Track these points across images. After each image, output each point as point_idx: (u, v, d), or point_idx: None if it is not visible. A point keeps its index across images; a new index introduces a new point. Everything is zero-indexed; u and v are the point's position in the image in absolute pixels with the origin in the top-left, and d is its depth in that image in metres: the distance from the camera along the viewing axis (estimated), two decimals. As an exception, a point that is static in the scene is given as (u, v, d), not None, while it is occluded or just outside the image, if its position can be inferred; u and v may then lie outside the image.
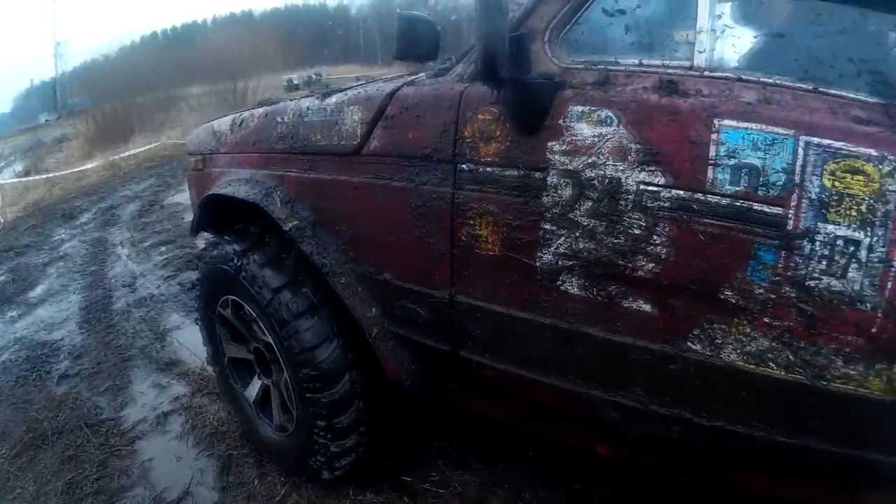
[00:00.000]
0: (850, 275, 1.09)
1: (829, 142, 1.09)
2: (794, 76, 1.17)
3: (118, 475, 2.25)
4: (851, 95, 1.13)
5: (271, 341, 1.86)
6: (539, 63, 1.31)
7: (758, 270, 1.14)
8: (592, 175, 1.23)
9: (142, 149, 12.38)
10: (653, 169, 1.18)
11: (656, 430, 1.38)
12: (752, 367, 1.20)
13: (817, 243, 1.10)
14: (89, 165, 10.95)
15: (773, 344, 1.17)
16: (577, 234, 1.27)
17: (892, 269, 1.06)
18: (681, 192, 1.17)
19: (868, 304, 1.08)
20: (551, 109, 1.27)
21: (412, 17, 1.48)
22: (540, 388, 1.47)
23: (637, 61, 1.27)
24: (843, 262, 1.09)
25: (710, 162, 1.14)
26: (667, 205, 1.18)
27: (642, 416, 1.36)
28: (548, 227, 1.30)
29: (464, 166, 1.38)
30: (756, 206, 1.12)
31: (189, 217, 6.03)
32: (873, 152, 1.06)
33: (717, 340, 1.21)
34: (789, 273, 1.12)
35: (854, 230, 1.08)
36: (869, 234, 1.07)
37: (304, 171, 1.70)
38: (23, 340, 3.53)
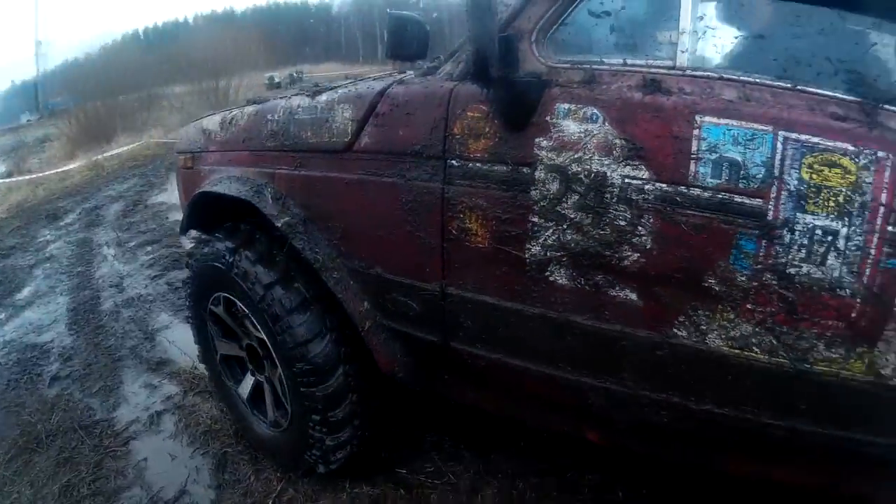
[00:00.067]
0: (829, 262, 1.14)
1: (806, 137, 1.14)
2: (773, 75, 1.22)
3: (114, 476, 2.25)
4: (829, 93, 1.17)
5: (264, 337, 1.88)
6: (527, 62, 1.35)
7: (740, 259, 1.19)
8: (579, 170, 1.27)
9: (124, 148, 12.27)
10: (637, 163, 1.22)
11: (645, 415, 1.43)
12: (736, 351, 1.24)
13: (797, 233, 1.14)
14: (72, 166, 10.84)
15: (756, 329, 1.22)
16: (565, 227, 1.31)
17: (870, 257, 1.11)
18: (664, 186, 1.21)
19: (847, 290, 1.13)
20: (539, 107, 1.31)
21: (402, 17, 1.51)
22: (530, 377, 1.51)
23: (621, 61, 1.31)
24: (821, 250, 1.14)
25: (693, 156, 1.19)
26: (651, 197, 1.22)
27: (631, 403, 1.41)
28: (536, 220, 1.34)
29: (453, 162, 1.42)
30: (737, 198, 1.17)
31: (174, 216, 6.03)
32: (850, 147, 1.11)
33: (702, 327, 1.25)
34: (770, 261, 1.17)
35: (832, 220, 1.13)
36: (846, 223, 1.12)
37: (294, 168, 1.72)
38: (12, 343, 3.50)
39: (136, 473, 2.26)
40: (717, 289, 1.22)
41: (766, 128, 1.16)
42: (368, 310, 1.70)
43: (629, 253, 1.26)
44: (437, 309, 1.56)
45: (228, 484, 2.16)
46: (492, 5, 1.23)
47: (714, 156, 1.18)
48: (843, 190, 1.12)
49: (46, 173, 10.59)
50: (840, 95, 1.17)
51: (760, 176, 1.15)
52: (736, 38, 1.42)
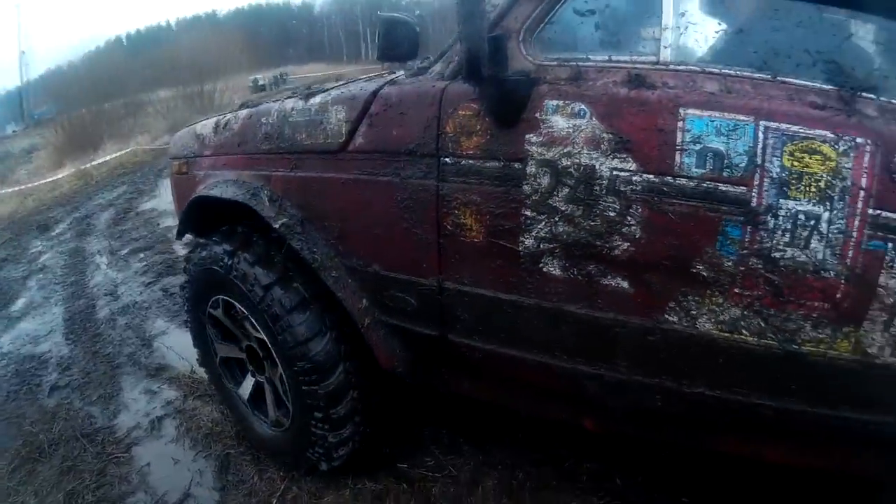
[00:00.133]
0: (812, 246, 1.18)
1: (787, 126, 1.18)
2: (753, 67, 1.26)
3: (118, 482, 2.26)
4: (808, 83, 1.22)
5: (264, 338, 1.91)
6: (515, 61, 1.38)
7: (726, 245, 1.23)
8: (568, 163, 1.31)
9: (112, 156, 12.21)
10: (624, 156, 1.26)
11: (639, 400, 1.47)
12: (726, 335, 1.29)
13: (780, 218, 1.19)
14: (61, 175, 10.79)
15: (745, 313, 1.26)
16: (557, 219, 1.35)
17: (852, 240, 1.16)
18: (651, 177, 1.25)
19: (831, 272, 1.18)
20: (528, 104, 1.35)
21: (393, 19, 1.54)
22: (527, 366, 1.55)
23: (607, 57, 1.35)
24: (805, 234, 1.18)
25: (678, 148, 1.23)
26: (638, 188, 1.26)
27: (625, 388, 1.45)
28: (528, 213, 1.37)
29: (447, 159, 1.45)
30: (721, 187, 1.21)
31: (165, 223, 6.03)
32: (829, 134, 1.16)
33: (692, 312, 1.30)
34: (755, 246, 1.21)
35: (814, 205, 1.17)
36: (828, 207, 1.16)
37: (290, 169, 1.75)
38: (9, 355, 3.50)
39: (139, 479, 2.28)
40: (705, 274, 1.26)
41: (747, 118, 1.20)
42: (367, 307, 1.73)
43: (619, 242, 1.30)
44: (434, 303, 1.59)
45: (232, 485, 2.18)
46: (481, 7, 1.26)
47: (698, 146, 1.22)
48: (824, 176, 1.16)
49: (35, 184, 10.54)
50: (819, 85, 1.21)
51: (743, 165, 1.20)
52: (717, 32, 1.46)
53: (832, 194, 1.16)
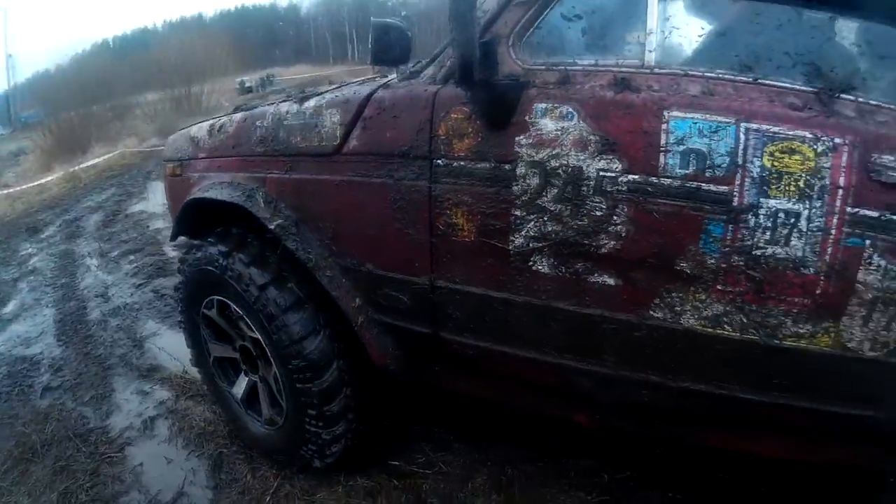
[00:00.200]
0: (792, 243, 1.23)
1: (767, 127, 1.23)
2: (735, 70, 1.31)
3: (111, 482, 2.27)
4: (788, 85, 1.27)
5: (259, 337, 1.94)
6: (505, 65, 1.42)
7: (709, 243, 1.27)
8: (557, 165, 1.35)
9: (100, 159, 12.14)
10: (610, 157, 1.31)
11: (628, 394, 1.51)
12: (709, 330, 1.33)
13: (761, 216, 1.24)
14: (49, 178, 10.70)
15: (727, 308, 1.31)
16: (545, 219, 1.39)
17: (831, 237, 1.20)
18: (636, 177, 1.29)
19: (811, 269, 1.23)
20: (518, 107, 1.39)
21: (386, 24, 1.58)
22: (518, 362, 1.59)
23: (594, 61, 1.39)
24: (785, 232, 1.23)
25: (662, 149, 1.27)
26: (624, 188, 1.30)
27: (614, 383, 1.49)
28: (518, 213, 1.41)
29: (439, 161, 1.49)
30: (704, 186, 1.26)
31: (154, 225, 6.03)
32: (808, 134, 1.21)
33: (677, 307, 1.34)
34: (737, 244, 1.26)
35: (794, 203, 1.22)
36: (807, 206, 1.21)
37: (285, 171, 1.78)
38: (1, 357, 3.49)
39: (133, 478, 2.29)
40: (688, 272, 1.30)
41: (729, 120, 1.25)
42: (361, 305, 1.76)
43: (606, 241, 1.34)
44: (426, 301, 1.63)
45: (225, 483, 2.20)
46: (473, 14, 1.30)
47: (681, 148, 1.27)
48: (803, 175, 1.21)
49: (23, 187, 10.45)
50: (798, 87, 1.26)
51: (725, 165, 1.24)
52: (700, 36, 1.51)
53: (811, 193, 1.20)
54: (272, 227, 1.77)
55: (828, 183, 1.20)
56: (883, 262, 1.19)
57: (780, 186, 1.23)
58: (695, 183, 1.26)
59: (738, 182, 1.24)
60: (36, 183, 10.61)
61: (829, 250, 1.21)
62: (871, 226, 1.19)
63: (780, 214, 1.23)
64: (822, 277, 1.23)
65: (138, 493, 2.21)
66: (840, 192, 1.19)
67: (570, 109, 1.34)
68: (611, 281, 1.38)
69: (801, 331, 1.27)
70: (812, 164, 1.21)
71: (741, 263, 1.27)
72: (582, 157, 1.33)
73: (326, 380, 1.83)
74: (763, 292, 1.27)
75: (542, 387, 1.66)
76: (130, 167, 10.94)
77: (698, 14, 1.58)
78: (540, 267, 1.43)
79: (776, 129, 1.23)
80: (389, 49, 1.58)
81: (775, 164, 1.23)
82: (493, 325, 1.56)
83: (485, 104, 1.41)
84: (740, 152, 1.24)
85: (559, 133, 1.35)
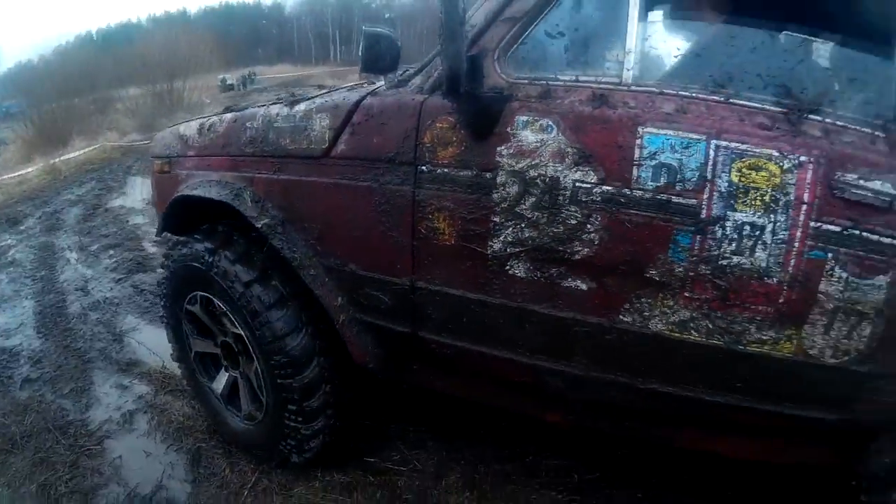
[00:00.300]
0: (757, 254, 1.30)
1: (736, 144, 1.31)
2: (709, 89, 1.38)
3: (90, 474, 2.28)
4: (758, 105, 1.34)
5: (242, 333, 1.97)
6: (490, 78, 1.49)
7: (677, 252, 1.35)
8: (535, 174, 1.42)
9: (81, 152, 12.01)
10: (586, 169, 1.38)
11: (598, 394, 1.58)
12: (676, 334, 1.41)
13: (727, 228, 1.31)
14: (29, 169, 10.55)
15: (693, 314, 1.38)
16: (523, 225, 1.45)
17: (794, 249, 1.28)
18: (610, 188, 1.37)
19: (775, 279, 1.30)
20: (500, 119, 1.45)
21: (377, 33, 1.62)
22: (493, 362, 1.65)
23: (574, 77, 1.46)
24: (750, 243, 1.31)
25: (635, 162, 1.35)
26: (598, 199, 1.37)
27: (585, 383, 1.55)
28: (497, 219, 1.48)
29: (423, 168, 1.54)
30: (674, 199, 1.33)
31: (133, 220, 6.01)
32: (775, 152, 1.29)
33: (645, 313, 1.41)
34: (704, 254, 1.33)
35: (759, 217, 1.29)
36: (772, 219, 1.29)
37: (273, 172, 1.81)
38: (-20, 348, 3.47)
39: (112, 471, 2.30)
40: (657, 279, 1.38)
41: (699, 137, 1.32)
42: (343, 304, 1.80)
43: (579, 248, 1.41)
44: (407, 302, 1.68)
45: (204, 477, 2.22)
46: (463, 30, 1.36)
47: (654, 162, 1.34)
48: (769, 190, 1.29)
49: (3, 177, 10.29)
50: (768, 107, 1.34)
51: (695, 179, 1.32)
52: (677, 56, 1.59)
53: (776, 207, 1.28)
54: (259, 225, 1.81)
55: (792, 198, 1.28)
56: (844, 274, 1.27)
57: (746, 200, 1.30)
58: (665, 195, 1.33)
59: (706, 195, 1.32)
60: (16, 174, 10.47)
61: (793, 262, 1.29)
62: (834, 240, 1.27)
63: (745, 227, 1.31)
64: (785, 287, 1.31)
65: (117, 485, 2.22)
66: (804, 207, 1.27)
67: (550, 122, 1.41)
68: (583, 286, 1.45)
69: (765, 337, 1.35)
70: (778, 180, 1.28)
71: (708, 272, 1.34)
72: (559, 168, 1.40)
73: (307, 376, 1.88)
74: (728, 300, 1.35)
75: (517, 386, 1.72)
76: (111, 161, 10.84)
77: (676, 35, 1.67)
78: (516, 271, 1.50)
79: (745, 146, 1.30)
80: (379, 58, 1.63)
81: (742, 179, 1.30)
82: (471, 325, 1.62)
83: (469, 115, 1.47)
84: (709, 167, 1.31)
85: (539, 144, 1.41)
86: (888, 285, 1.26)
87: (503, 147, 1.45)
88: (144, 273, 4.46)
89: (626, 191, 1.36)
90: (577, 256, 1.42)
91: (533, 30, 1.50)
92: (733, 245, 1.32)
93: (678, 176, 1.33)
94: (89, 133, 15.06)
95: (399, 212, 1.60)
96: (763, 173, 1.29)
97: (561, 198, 1.40)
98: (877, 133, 1.30)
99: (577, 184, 1.39)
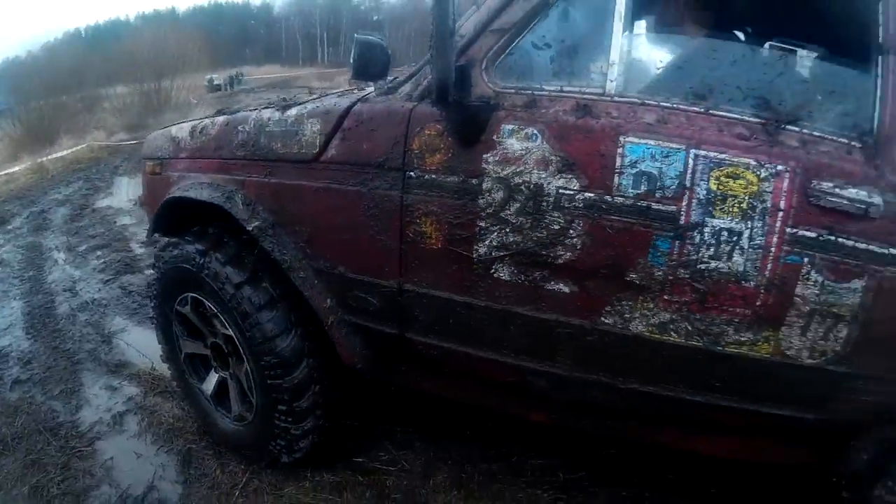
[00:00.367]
0: (734, 258, 1.36)
1: (714, 154, 1.36)
2: (689, 100, 1.43)
3: (82, 476, 2.28)
4: (737, 116, 1.40)
5: (232, 334, 1.99)
6: (478, 87, 1.53)
7: (657, 256, 1.40)
8: (520, 181, 1.46)
9: (68, 151, 11.92)
10: (569, 176, 1.42)
11: (581, 394, 1.63)
12: (656, 336, 1.46)
13: (706, 234, 1.37)
14: (16, 168, 10.45)
15: (673, 316, 1.43)
16: (508, 230, 1.50)
17: (771, 254, 1.33)
18: (592, 195, 1.41)
19: (752, 282, 1.36)
20: (487, 127, 1.49)
21: (368, 41, 1.66)
22: (479, 362, 1.69)
23: (559, 87, 1.50)
24: (728, 248, 1.36)
25: (617, 171, 1.40)
26: (581, 205, 1.42)
27: (568, 383, 1.60)
28: (483, 224, 1.52)
29: (412, 173, 1.58)
30: (654, 205, 1.38)
31: (121, 221, 5.99)
32: (752, 161, 1.34)
33: (626, 315, 1.46)
34: (683, 258, 1.38)
35: (736, 223, 1.35)
36: (749, 226, 1.34)
37: (264, 176, 1.84)
38: (-31, 349, 3.45)
39: (103, 472, 2.30)
40: (638, 282, 1.43)
41: (679, 146, 1.37)
42: (332, 306, 1.84)
43: (562, 252, 1.46)
44: (394, 304, 1.72)
45: (195, 478, 2.24)
46: (452, 41, 1.41)
47: (635, 170, 1.39)
48: (746, 198, 1.34)
49: (-9, 176, 10.21)
50: (746, 118, 1.39)
51: (674, 187, 1.37)
52: (659, 68, 1.64)
53: (753, 214, 1.34)
54: (250, 228, 1.83)
55: (769, 205, 1.33)
56: (820, 278, 1.32)
57: (724, 208, 1.36)
58: (645, 202, 1.38)
59: (685, 202, 1.37)
60: (3, 172, 10.37)
61: (770, 266, 1.34)
62: (810, 245, 1.32)
63: (723, 233, 1.36)
64: (762, 291, 1.36)
65: (109, 486, 2.23)
66: (780, 213, 1.33)
67: (535, 131, 1.45)
68: (566, 289, 1.50)
69: (743, 339, 1.41)
70: (755, 188, 1.34)
71: (687, 276, 1.39)
72: (543, 175, 1.44)
73: (297, 376, 1.90)
74: (707, 303, 1.40)
75: (502, 386, 1.77)
76: (98, 161, 10.75)
77: (659, 48, 1.72)
78: (501, 274, 1.54)
79: (723, 155, 1.35)
80: (370, 65, 1.67)
81: (721, 187, 1.35)
82: (457, 327, 1.66)
83: (457, 123, 1.51)
84: (688, 176, 1.36)
85: (524, 152, 1.46)
86: (863, 289, 1.31)
87: (489, 154, 1.49)
88: (132, 274, 4.45)
89: (608, 197, 1.40)
90: (560, 260, 1.47)
91: (520, 41, 1.54)
92: (711, 250, 1.37)
93: (658, 184, 1.38)
94: (77, 132, 14.95)
95: (387, 216, 1.63)
96: (741, 181, 1.34)
97: (545, 204, 1.45)
98: (853, 143, 1.35)
99: (561, 190, 1.43)
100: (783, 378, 1.43)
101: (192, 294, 2.10)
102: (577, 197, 1.42)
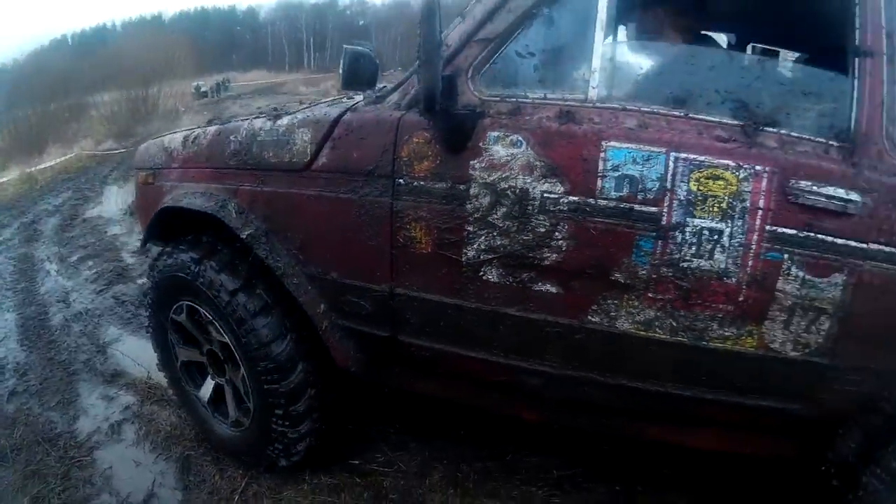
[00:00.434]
0: (716, 256, 1.41)
1: (694, 156, 1.41)
2: (669, 105, 1.49)
3: (82, 485, 2.29)
4: (715, 119, 1.45)
5: (228, 341, 2.02)
6: (464, 95, 1.57)
7: (640, 256, 1.45)
8: (506, 186, 1.51)
9: (57, 160, 11.82)
10: (554, 181, 1.47)
11: (571, 392, 1.68)
12: (642, 332, 1.51)
13: (687, 233, 1.42)
14: (5, 178, 10.38)
15: (658, 314, 1.48)
16: (495, 234, 1.54)
17: (751, 251, 1.38)
18: (576, 198, 1.46)
19: (734, 279, 1.41)
20: (473, 134, 1.54)
21: (357, 52, 1.70)
22: (470, 363, 1.73)
23: (542, 95, 1.55)
24: (709, 247, 1.41)
25: (599, 174, 1.44)
26: (565, 208, 1.47)
27: (558, 380, 1.65)
28: (471, 228, 1.56)
29: (401, 180, 1.62)
30: (636, 207, 1.43)
31: (112, 230, 5.99)
32: (731, 163, 1.39)
33: (612, 313, 1.51)
34: (665, 257, 1.43)
35: (717, 222, 1.40)
36: (730, 224, 1.39)
37: (256, 184, 1.87)
38: (-36, 361, 3.45)
39: (103, 481, 2.31)
40: (622, 281, 1.47)
41: (660, 149, 1.42)
42: (325, 311, 1.87)
43: (548, 254, 1.51)
44: (386, 307, 1.76)
45: (194, 484, 2.26)
46: (439, 53, 1.45)
47: (617, 173, 1.44)
48: (726, 198, 1.39)
49: (-21, 187, 10.13)
50: (725, 121, 1.44)
51: (655, 189, 1.42)
52: (639, 75, 1.69)
53: (733, 213, 1.39)
54: (243, 236, 1.86)
55: (748, 205, 1.38)
56: (801, 274, 1.38)
57: (704, 207, 1.41)
58: (628, 204, 1.43)
59: (666, 203, 1.42)
60: (-7, 183, 10.31)
61: (751, 263, 1.39)
62: (789, 242, 1.38)
63: (704, 232, 1.41)
64: (744, 287, 1.41)
65: (109, 495, 2.24)
66: (760, 212, 1.38)
67: (520, 138, 1.50)
68: (553, 289, 1.54)
69: (727, 333, 1.46)
70: (734, 188, 1.39)
71: (670, 274, 1.44)
72: (529, 181, 1.49)
73: (293, 380, 1.94)
74: (690, 299, 1.45)
75: (493, 386, 1.81)
76: (86, 170, 10.70)
77: (639, 55, 1.77)
78: (490, 276, 1.59)
79: (702, 157, 1.41)
80: (359, 75, 1.71)
81: (701, 188, 1.40)
82: (447, 328, 1.70)
83: (444, 131, 1.56)
84: (669, 178, 1.41)
85: (509, 158, 1.50)
86: (844, 283, 1.36)
87: (476, 161, 1.53)
88: (124, 284, 4.45)
89: (592, 200, 1.45)
90: (546, 262, 1.52)
91: (504, 50, 1.58)
92: (693, 249, 1.42)
93: (640, 186, 1.43)
94: (65, 140, 14.83)
95: (378, 222, 1.67)
96: (720, 182, 1.39)
97: (530, 208, 1.50)
98: (831, 143, 1.40)
99: (546, 194, 1.48)
100: (768, 371, 1.47)
101: (187, 302, 2.13)
102: (561, 200, 1.47)
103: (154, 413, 2.74)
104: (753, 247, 1.39)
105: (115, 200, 7.44)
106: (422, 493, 2.15)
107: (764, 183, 1.38)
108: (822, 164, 1.38)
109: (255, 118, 1.98)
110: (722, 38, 2.25)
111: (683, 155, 1.41)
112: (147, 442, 2.53)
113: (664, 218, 1.42)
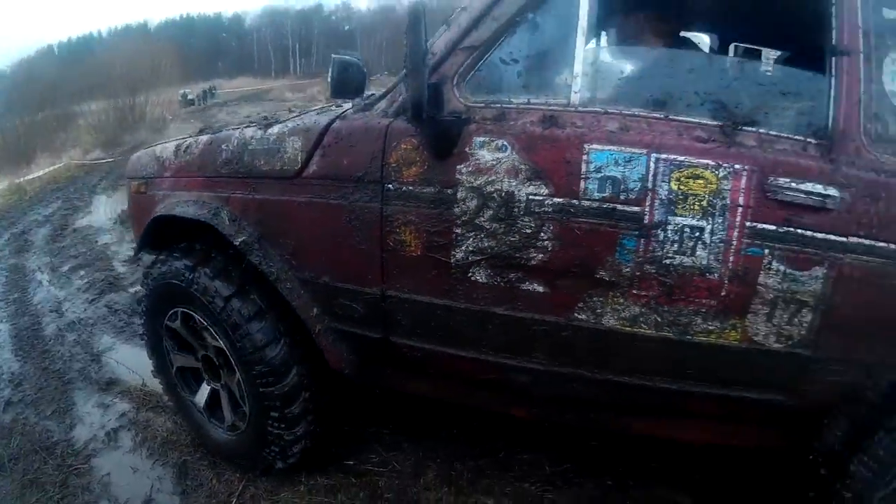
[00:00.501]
0: (698, 253, 1.45)
1: (674, 156, 1.45)
2: (650, 108, 1.53)
3: (80, 492, 2.31)
4: (695, 120, 1.49)
5: (223, 346, 2.05)
6: (450, 102, 1.61)
7: (624, 254, 1.49)
8: (492, 190, 1.55)
9: (45, 170, 11.76)
10: (538, 183, 1.51)
11: (559, 388, 1.72)
12: (627, 328, 1.55)
13: (669, 231, 1.46)
14: (-6, 189, 10.39)
15: (643, 310, 1.53)
16: (482, 236, 1.58)
17: (732, 247, 1.43)
18: (560, 200, 1.51)
19: (716, 274, 1.45)
20: (459, 140, 1.58)
21: (345, 61, 1.74)
22: (461, 362, 1.77)
23: (526, 100, 1.59)
24: (691, 244, 1.45)
25: (582, 176, 1.49)
26: (550, 210, 1.51)
27: (546, 377, 1.69)
28: (459, 231, 1.60)
29: (390, 186, 1.66)
30: (619, 207, 1.48)
31: (102, 240, 5.99)
32: (710, 162, 1.44)
33: (598, 310, 1.56)
34: (648, 255, 1.48)
35: (698, 220, 1.44)
36: (710, 222, 1.44)
37: (248, 192, 1.90)
38: (-41, 372, 3.45)
39: (101, 488, 2.33)
40: (607, 279, 1.52)
41: (641, 151, 1.47)
42: (318, 314, 1.90)
43: (535, 254, 1.55)
44: (378, 309, 1.80)
45: (191, 489, 2.28)
46: (425, 62, 1.50)
47: (599, 175, 1.48)
48: (706, 196, 1.44)
49: (-32, 199, 10.06)
50: (705, 121, 1.49)
51: (637, 189, 1.46)
52: (620, 79, 1.74)
53: (714, 211, 1.43)
54: (237, 243, 1.89)
55: (728, 202, 1.43)
56: (782, 268, 1.42)
57: (685, 206, 1.45)
58: (610, 204, 1.48)
59: (648, 203, 1.46)
60: (-19, 194, 10.25)
61: (732, 258, 1.44)
62: (770, 237, 1.42)
63: (686, 229, 1.46)
64: (726, 282, 1.45)
65: (108, 502, 2.26)
66: (740, 209, 1.42)
67: (505, 142, 1.54)
68: (540, 288, 1.58)
69: (711, 327, 1.50)
70: (714, 186, 1.43)
71: (653, 271, 1.49)
72: (514, 184, 1.53)
73: (288, 383, 1.97)
74: (674, 295, 1.50)
75: (483, 384, 1.85)
76: (75, 180, 10.64)
77: (620, 59, 1.82)
78: (478, 277, 1.63)
79: (683, 158, 1.45)
80: (348, 83, 1.75)
81: (681, 187, 1.45)
82: (438, 329, 1.74)
83: (431, 137, 1.60)
84: (650, 178, 1.46)
85: (495, 163, 1.55)
86: (824, 276, 1.41)
87: (462, 165, 1.57)
88: (116, 293, 4.45)
89: (576, 202, 1.50)
90: (532, 262, 1.56)
91: (489, 57, 1.63)
92: (675, 246, 1.47)
93: (622, 187, 1.47)
94: (53, 150, 14.75)
95: (368, 227, 1.71)
96: (700, 181, 1.44)
97: (516, 210, 1.54)
98: (809, 140, 1.45)
99: (531, 197, 1.52)
100: (752, 363, 1.52)
101: (181, 308, 2.15)
102: (546, 202, 1.51)
103: (150, 419, 2.75)
104: (734, 243, 1.43)
105: (104, 210, 7.42)
106: (416, 492, 2.18)
107: (743, 181, 1.42)
108: (801, 161, 1.42)
109: (245, 127, 2.01)
110: (704, 40, 2.31)
111: (664, 156, 1.45)
112: (144, 448, 2.55)
113: (646, 217, 1.46)
